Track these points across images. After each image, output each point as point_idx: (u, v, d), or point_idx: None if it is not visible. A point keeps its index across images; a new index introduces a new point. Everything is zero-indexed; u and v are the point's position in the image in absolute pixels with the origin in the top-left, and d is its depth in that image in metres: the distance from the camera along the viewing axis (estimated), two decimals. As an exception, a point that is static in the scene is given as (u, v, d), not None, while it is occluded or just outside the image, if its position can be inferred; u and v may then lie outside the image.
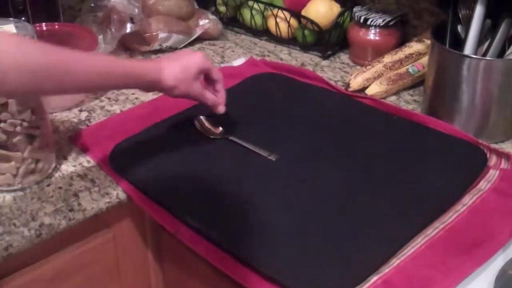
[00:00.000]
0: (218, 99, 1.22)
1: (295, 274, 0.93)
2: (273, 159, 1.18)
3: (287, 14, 1.67)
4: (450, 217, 1.04)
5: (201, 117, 1.28)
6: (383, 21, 1.53)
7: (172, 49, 1.67)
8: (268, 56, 1.67)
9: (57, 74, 0.93)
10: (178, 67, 1.13)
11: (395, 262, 0.95)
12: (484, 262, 0.95)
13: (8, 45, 0.87)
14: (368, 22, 1.54)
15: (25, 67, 0.87)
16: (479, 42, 1.25)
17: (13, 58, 0.86)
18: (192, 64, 1.15)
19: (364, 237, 1.00)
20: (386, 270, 0.94)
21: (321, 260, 0.96)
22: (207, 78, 1.22)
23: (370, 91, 1.43)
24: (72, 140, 1.27)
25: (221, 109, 1.23)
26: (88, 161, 1.21)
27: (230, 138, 1.24)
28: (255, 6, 1.73)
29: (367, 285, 0.91)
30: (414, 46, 1.50)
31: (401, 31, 1.60)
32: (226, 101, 1.23)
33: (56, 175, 1.17)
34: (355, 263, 0.95)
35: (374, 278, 0.92)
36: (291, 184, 1.13)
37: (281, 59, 1.64)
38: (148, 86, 1.12)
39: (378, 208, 1.06)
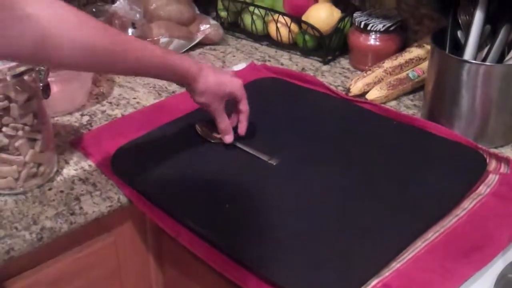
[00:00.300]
0: (230, 128, 1.23)
1: (295, 278, 0.93)
2: (274, 164, 1.19)
3: (288, 20, 1.68)
4: (450, 221, 1.05)
5: (202, 121, 1.28)
6: (383, 26, 1.54)
7: (173, 54, 1.68)
8: (269, 61, 1.67)
9: (110, 58, 0.98)
10: (215, 79, 1.16)
11: (395, 265, 0.95)
12: (484, 266, 0.95)
13: (62, 14, 0.89)
14: (369, 28, 1.55)
15: (83, 44, 0.91)
16: (479, 47, 1.25)
17: (68, 30, 0.89)
18: (227, 85, 1.18)
19: (364, 241, 1.00)
20: (386, 273, 0.94)
21: (321, 263, 0.96)
22: (235, 106, 1.23)
23: (370, 96, 1.43)
24: (74, 144, 1.27)
25: (228, 138, 1.23)
26: (90, 165, 1.21)
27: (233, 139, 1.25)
28: (256, 11, 1.74)
29: (367, 288, 0.92)
30: (414, 51, 1.51)
31: (401, 36, 1.60)
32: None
33: (58, 179, 1.17)
34: (355, 267, 0.95)
35: (374, 282, 0.92)
36: (292, 188, 1.13)
37: (282, 64, 1.65)
38: (182, 81, 1.15)
39: (378, 212, 1.06)
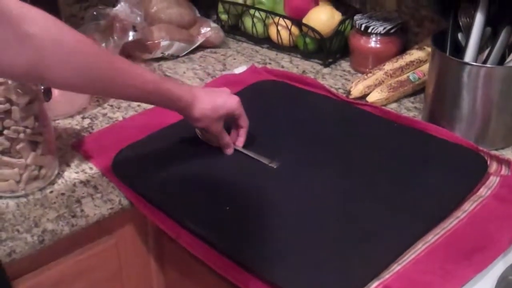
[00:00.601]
0: (230, 142, 1.23)
1: (296, 279, 0.93)
2: (274, 167, 1.19)
3: (288, 22, 1.68)
4: (450, 223, 1.05)
5: None
6: (384, 28, 1.54)
7: (174, 56, 1.68)
8: (270, 63, 1.67)
9: (103, 82, 0.98)
10: (210, 104, 1.15)
11: (395, 267, 0.96)
12: (484, 268, 0.96)
13: (59, 35, 0.89)
14: (369, 30, 1.55)
15: (76, 67, 0.91)
16: (480, 49, 1.25)
17: (62, 52, 0.89)
18: (224, 106, 1.17)
19: (364, 243, 1.00)
20: (386, 275, 0.94)
21: (321, 265, 0.96)
22: (235, 122, 1.23)
23: (371, 98, 1.44)
24: (75, 147, 1.28)
25: (229, 151, 1.23)
26: (91, 168, 1.22)
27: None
28: (257, 14, 1.74)
29: (368, 290, 0.92)
30: (415, 54, 1.51)
31: (402, 38, 1.60)
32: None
33: (59, 181, 1.18)
34: (355, 269, 0.95)
35: (374, 284, 0.92)
36: (292, 191, 1.13)
37: (283, 67, 1.65)
38: (176, 110, 1.14)
39: (378, 214, 1.06)
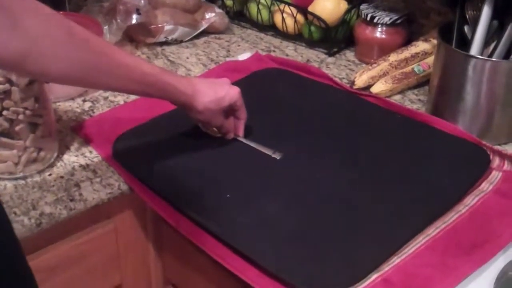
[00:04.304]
0: (231, 129, 1.22)
1: (295, 270, 0.93)
2: (277, 158, 1.18)
3: (294, 10, 1.67)
4: (451, 218, 1.04)
5: None
6: (390, 19, 1.53)
7: (177, 41, 1.67)
8: (274, 51, 1.66)
9: (98, 75, 0.95)
10: (212, 97, 1.13)
11: (395, 260, 0.95)
12: (485, 263, 0.95)
13: (52, 28, 0.87)
14: (375, 20, 1.54)
15: (67, 60, 0.89)
16: (486, 43, 1.25)
17: (53, 46, 0.87)
18: (226, 98, 1.15)
19: (365, 236, 1.00)
20: (386, 268, 0.94)
21: (321, 257, 0.96)
22: (233, 113, 1.21)
23: (375, 89, 1.43)
24: (75, 130, 1.27)
25: (229, 136, 1.22)
26: (91, 152, 1.21)
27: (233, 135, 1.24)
28: (262, 1, 1.73)
29: (367, 283, 0.91)
30: (421, 45, 1.50)
31: (408, 30, 1.59)
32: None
33: (58, 164, 1.17)
34: (355, 261, 0.95)
35: (374, 276, 0.92)
36: (294, 182, 1.12)
37: (287, 55, 1.64)
38: (176, 103, 1.12)
39: (380, 206, 1.06)
